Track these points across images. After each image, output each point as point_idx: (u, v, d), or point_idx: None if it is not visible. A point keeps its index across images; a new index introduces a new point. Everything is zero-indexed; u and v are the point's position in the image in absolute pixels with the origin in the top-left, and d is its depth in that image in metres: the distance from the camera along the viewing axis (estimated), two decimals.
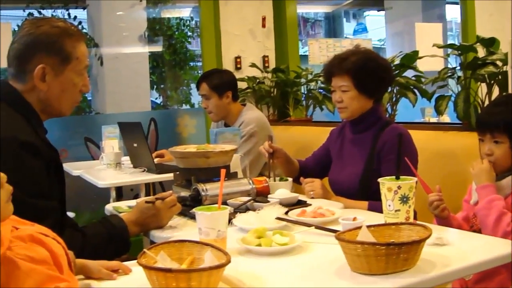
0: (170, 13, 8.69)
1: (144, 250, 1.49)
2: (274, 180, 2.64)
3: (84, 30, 7.47)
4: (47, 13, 7.33)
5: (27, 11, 7.26)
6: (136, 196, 4.20)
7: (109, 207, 2.67)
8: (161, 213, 2.15)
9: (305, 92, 4.94)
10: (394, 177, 1.91)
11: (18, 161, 1.77)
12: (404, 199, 1.86)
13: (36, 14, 7.24)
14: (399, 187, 1.86)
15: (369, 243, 1.47)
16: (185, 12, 8.92)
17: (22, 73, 1.92)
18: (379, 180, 1.92)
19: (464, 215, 2.32)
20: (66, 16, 7.34)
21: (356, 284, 1.45)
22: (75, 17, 7.47)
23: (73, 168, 4.03)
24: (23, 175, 1.74)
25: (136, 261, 1.54)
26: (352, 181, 2.62)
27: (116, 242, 2.04)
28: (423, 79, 3.86)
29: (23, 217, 1.32)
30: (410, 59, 3.90)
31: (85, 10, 7.72)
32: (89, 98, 8.02)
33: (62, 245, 1.36)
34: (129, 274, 1.62)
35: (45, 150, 1.88)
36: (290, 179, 2.65)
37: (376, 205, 2.39)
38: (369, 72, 2.62)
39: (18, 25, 7.07)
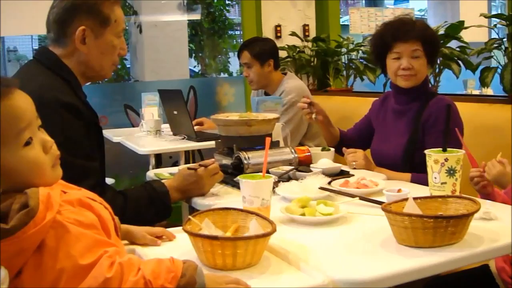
0: None
1: (189, 217, 1.49)
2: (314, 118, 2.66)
3: None
4: None
5: None
6: (175, 164, 4.22)
7: (151, 174, 2.68)
8: (203, 181, 2.15)
9: (346, 62, 4.87)
10: (441, 149, 1.88)
11: (59, 121, 1.80)
12: (451, 172, 1.83)
13: None
14: (446, 160, 1.82)
15: (417, 216, 1.45)
16: None
17: (62, 37, 1.96)
18: (426, 151, 1.88)
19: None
20: None
21: (402, 257, 1.42)
22: None
23: (113, 134, 4.07)
24: (65, 135, 1.76)
25: (180, 227, 1.55)
26: (396, 152, 2.58)
27: (157, 206, 2.06)
28: (468, 50, 3.77)
29: (64, 176, 1.32)
30: (455, 29, 3.80)
31: None
32: (128, 66, 8.07)
33: (108, 210, 1.36)
34: (173, 241, 1.62)
35: (85, 112, 1.92)
36: (332, 149, 2.63)
37: (419, 177, 2.35)
38: (436, 40, 2.59)
39: None
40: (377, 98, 2.91)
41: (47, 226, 1.12)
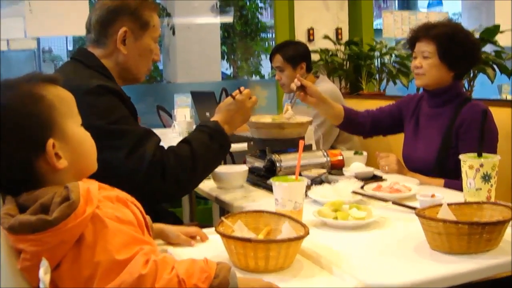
0: None
1: (222, 218, 1.49)
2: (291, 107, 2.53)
3: (157, 0, 7.55)
4: None
5: None
6: None
7: None
8: (244, 104, 2.14)
9: (379, 66, 4.84)
10: (476, 154, 1.85)
11: (109, 102, 1.86)
12: (486, 178, 1.80)
13: None
14: (481, 165, 1.80)
15: (452, 221, 1.43)
16: None
17: (103, 37, 2.02)
18: (461, 156, 1.86)
19: None
20: None
21: (436, 263, 1.41)
22: None
23: None
24: (116, 113, 1.85)
25: (212, 228, 1.56)
26: (428, 157, 2.56)
27: (218, 138, 2.03)
28: (503, 55, 3.72)
29: (128, 143, 1.62)
30: (490, 33, 3.76)
31: None
32: (160, 68, 8.13)
33: (140, 209, 1.38)
34: (204, 242, 1.63)
35: (129, 103, 1.98)
36: (365, 153, 2.61)
37: (452, 183, 2.33)
38: (456, 42, 2.53)
39: None
40: (414, 93, 2.91)
41: (87, 219, 1.15)
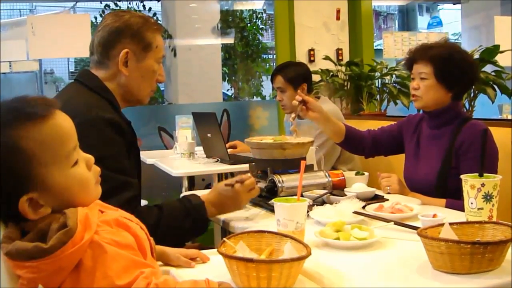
0: (242, 5, 8.75)
1: (224, 239, 1.49)
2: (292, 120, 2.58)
3: (158, 22, 7.60)
4: (123, 5, 7.52)
5: (103, 3, 7.46)
6: (207, 186, 4.24)
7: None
8: (240, 196, 2.11)
9: (379, 86, 4.86)
10: (477, 174, 1.86)
11: (101, 136, 1.84)
12: (487, 197, 1.80)
13: (112, 6, 7.42)
14: (482, 185, 1.80)
15: (454, 241, 1.43)
16: (258, 5, 8.95)
17: (105, 59, 2.03)
18: (462, 176, 1.86)
19: None
20: (141, 8, 7.49)
21: (439, 283, 1.41)
22: (150, 8, 7.62)
23: (147, 156, 4.10)
24: (106, 151, 1.81)
25: (214, 249, 1.56)
26: (429, 178, 2.56)
27: (194, 216, 2.01)
28: (504, 75, 3.74)
29: (103, 189, 1.34)
30: (490, 53, 3.79)
31: (160, 2, 7.86)
32: (162, 89, 8.17)
33: (144, 231, 1.38)
34: (207, 263, 1.62)
35: (127, 130, 1.96)
36: (367, 174, 2.62)
37: (454, 203, 2.33)
38: (453, 63, 2.54)
39: (95, 17, 7.24)
40: (414, 114, 2.92)
41: (85, 246, 1.14)
